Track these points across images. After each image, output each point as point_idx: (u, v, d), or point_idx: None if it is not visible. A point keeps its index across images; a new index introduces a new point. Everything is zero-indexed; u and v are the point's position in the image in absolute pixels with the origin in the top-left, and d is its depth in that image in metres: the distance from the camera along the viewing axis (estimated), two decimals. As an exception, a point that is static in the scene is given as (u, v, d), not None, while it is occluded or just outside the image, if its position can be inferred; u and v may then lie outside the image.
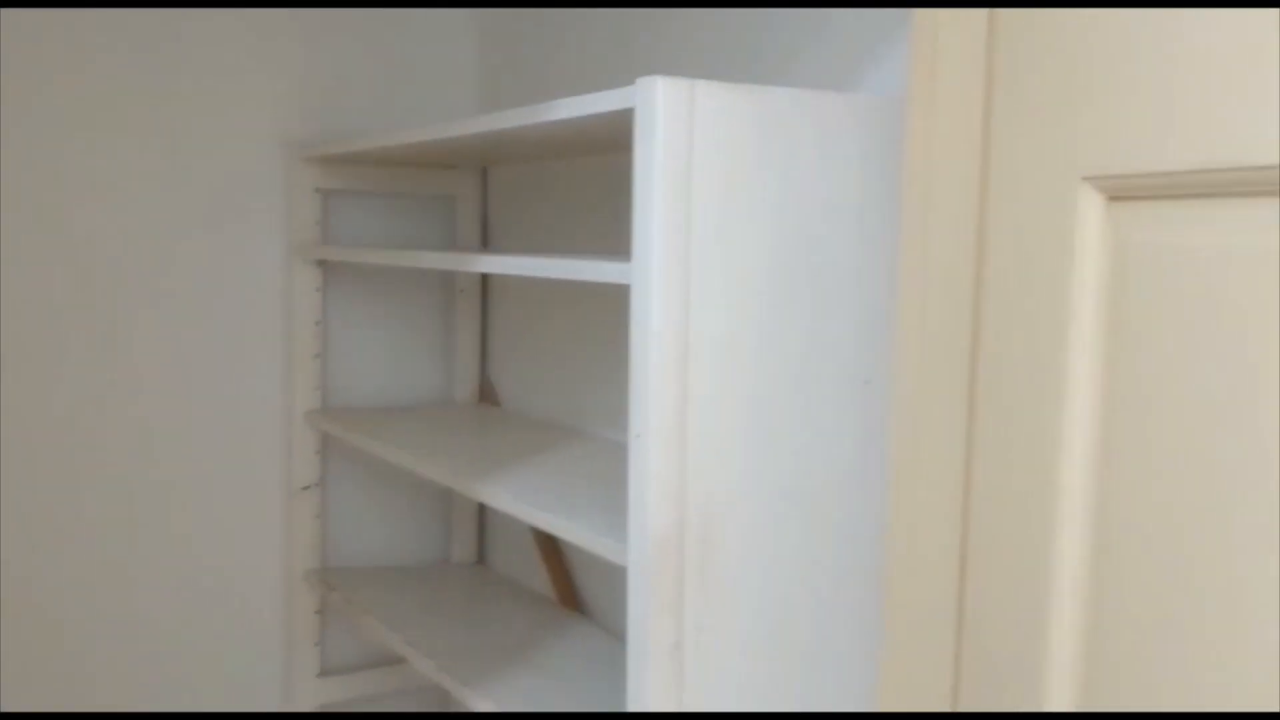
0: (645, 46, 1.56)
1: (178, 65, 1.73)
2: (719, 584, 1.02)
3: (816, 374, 1.06)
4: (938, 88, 0.93)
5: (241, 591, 1.84)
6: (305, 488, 1.84)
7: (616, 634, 1.62)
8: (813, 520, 1.07)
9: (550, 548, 1.80)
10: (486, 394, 1.97)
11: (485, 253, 1.57)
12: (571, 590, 1.76)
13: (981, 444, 0.98)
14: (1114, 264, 0.86)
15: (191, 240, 1.76)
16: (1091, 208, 0.88)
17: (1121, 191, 0.86)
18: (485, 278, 1.97)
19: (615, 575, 1.66)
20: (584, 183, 1.70)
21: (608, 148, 1.50)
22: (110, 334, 1.72)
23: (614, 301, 1.64)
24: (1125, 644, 0.85)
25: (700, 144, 0.98)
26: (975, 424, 0.98)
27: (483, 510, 2.02)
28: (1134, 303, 0.84)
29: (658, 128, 0.96)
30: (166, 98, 1.73)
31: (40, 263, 1.67)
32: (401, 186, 1.87)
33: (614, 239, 1.65)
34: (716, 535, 1.02)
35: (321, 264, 1.83)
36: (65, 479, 1.71)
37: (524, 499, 1.24)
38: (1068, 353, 0.89)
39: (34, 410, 1.68)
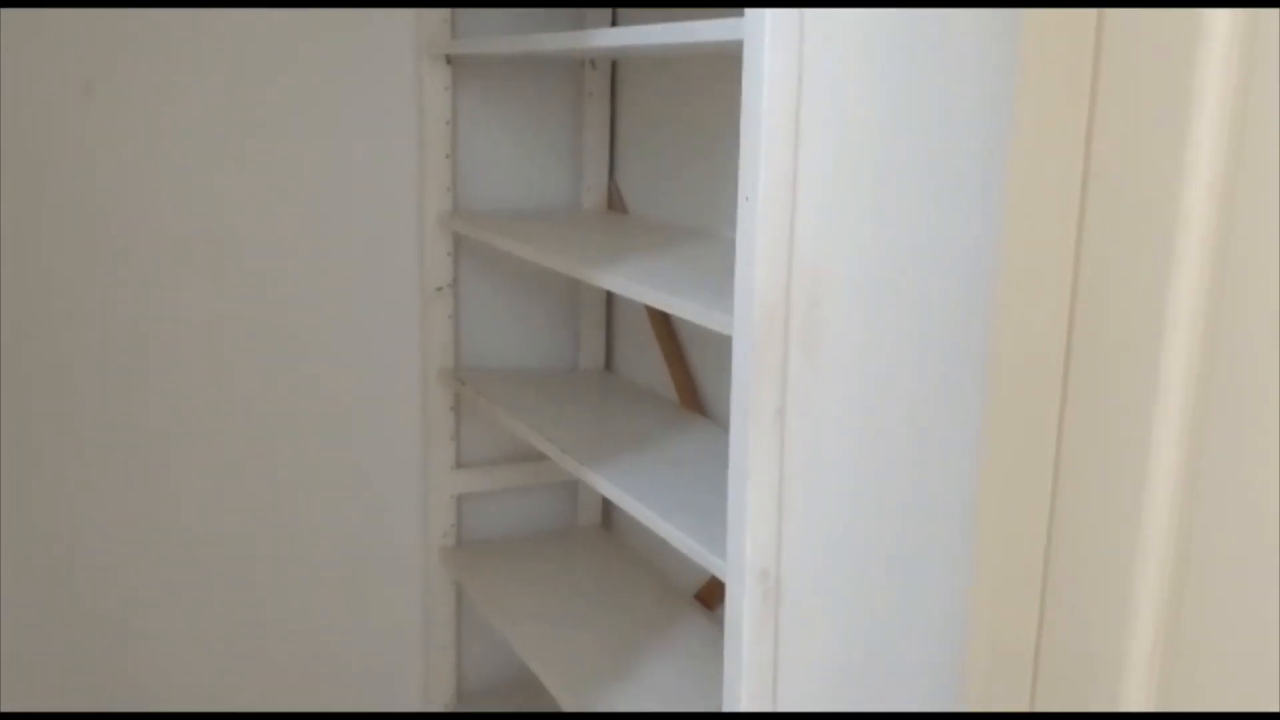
0: None
1: None
2: (823, 353, 1.02)
3: (936, 151, 1.02)
4: None
5: (381, 390, 1.93)
6: (439, 289, 1.90)
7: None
8: (921, 299, 1.04)
9: (674, 351, 1.82)
10: (614, 201, 1.98)
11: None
12: (694, 392, 1.78)
13: (1094, 225, 0.93)
14: None
15: (320, 42, 1.79)
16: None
17: None
18: (614, 80, 1.95)
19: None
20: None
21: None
22: (244, 142, 1.78)
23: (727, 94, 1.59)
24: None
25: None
26: (1088, 203, 0.93)
27: (610, 317, 2.04)
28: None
29: None
30: (298, -106, 1.73)
31: (167, 64, 1.73)
32: (530, -13, 1.84)
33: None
34: (824, 305, 1.01)
35: (451, 62, 1.83)
36: (203, 286, 1.80)
37: (639, 281, 1.25)
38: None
39: (164, 212, 1.77)
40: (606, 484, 1.37)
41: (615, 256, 1.44)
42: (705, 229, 1.71)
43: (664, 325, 1.85)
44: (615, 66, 1.94)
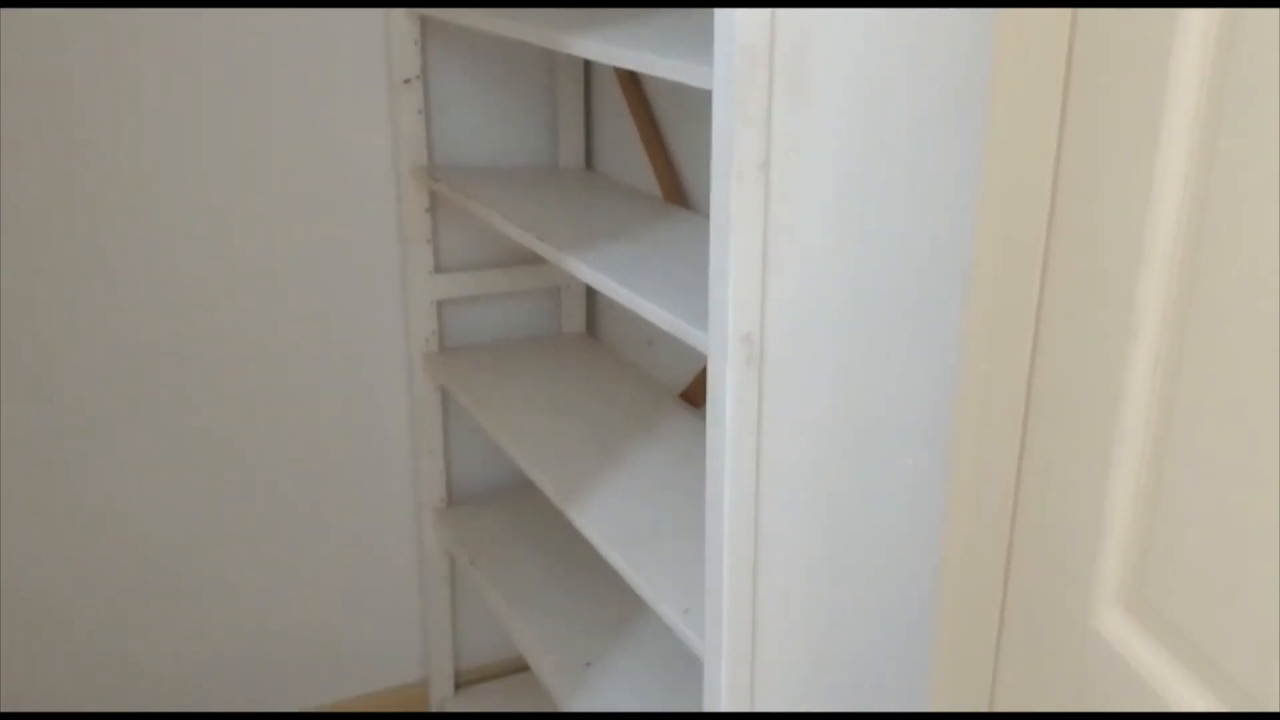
0: None
1: None
2: (809, 101, 0.95)
3: None
4: None
5: (352, 187, 1.86)
6: (407, 80, 1.80)
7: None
8: (917, 34, 0.97)
9: (655, 143, 1.75)
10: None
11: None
12: (677, 184, 1.72)
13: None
14: None
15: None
16: None
17: None
18: None
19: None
20: None
21: None
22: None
23: None
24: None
25: None
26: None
27: (589, 116, 1.96)
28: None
29: None
30: None
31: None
32: None
33: None
34: (810, 48, 0.94)
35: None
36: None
37: (613, 44, 1.17)
38: None
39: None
40: (586, 269, 1.32)
41: (588, 25, 1.35)
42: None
43: (645, 116, 1.77)
44: None
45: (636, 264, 1.34)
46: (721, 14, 0.92)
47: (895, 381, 1.07)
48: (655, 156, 1.75)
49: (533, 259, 1.99)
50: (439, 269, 1.93)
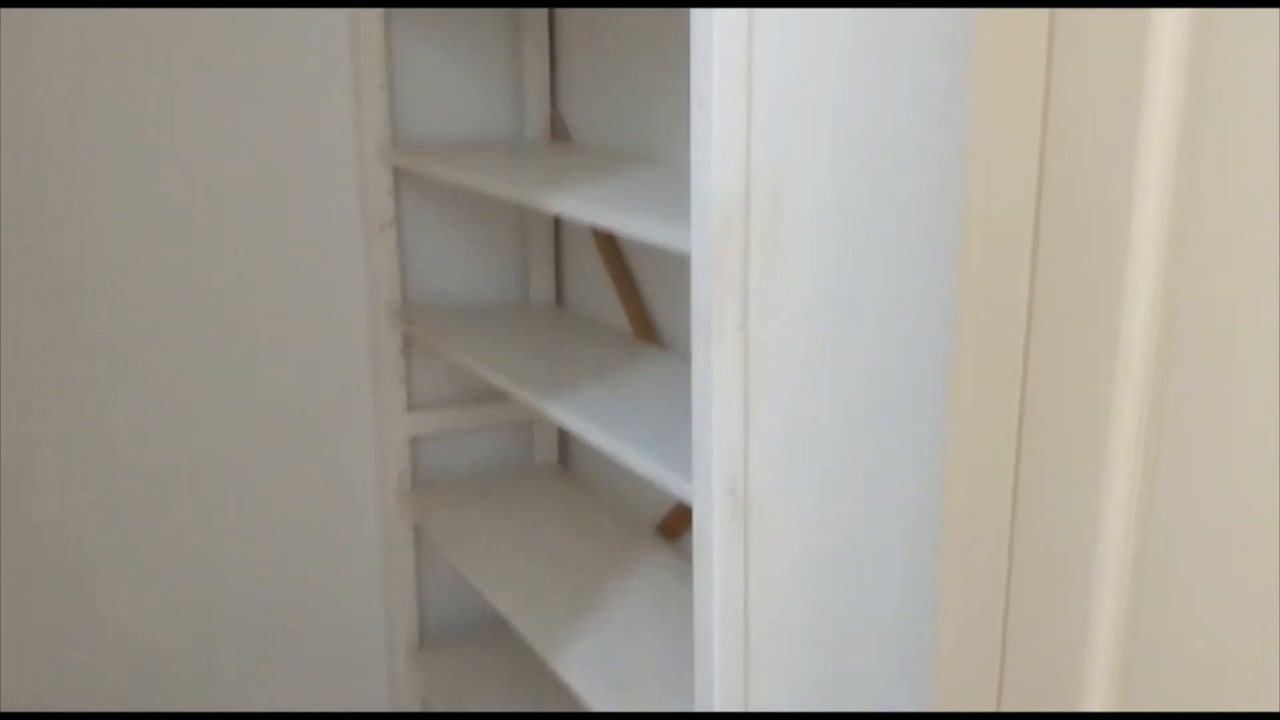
0: None
1: None
2: (785, 260, 0.99)
3: (888, 41, 0.99)
4: None
5: (327, 329, 1.88)
6: (382, 226, 1.84)
7: (689, 359, 1.62)
8: (881, 194, 1.02)
9: (626, 283, 1.79)
10: (557, 130, 1.93)
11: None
12: (648, 322, 1.76)
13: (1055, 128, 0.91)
14: None
15: (249, -30, 1.71)
16: None
17: None
18: (552, 9, 1.89)
19: (688, 305, 1.64)
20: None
21: None
22: (170, 82, 1.70)
23: (687, 20, 1.55)
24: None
25: None
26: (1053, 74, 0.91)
27: (559, 252, 2.00)
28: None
29: None
30: None
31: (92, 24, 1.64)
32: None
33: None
34: (783, 209, 0.98)
35: (383, -7, 1.77)
36: (136, 234, 1.73)
37: (588, 203, 1.21)
38: None
39: (98, 156, 1.69)
40: (566, 415, 1.34)
41: (561, 181, 1.40)
42: (652, 153, 1.67)
43: (614, 255, 1.81)
44: (553, -10, 1.88)
45: (615, 407, 1.36)
46: (698, 178, 0.96)
47: (879, 517, 1.09)
48: (625, 294, 1.79)
49: (503, 394, 2.01)
50: (412, 407, 1.94)
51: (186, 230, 1.76)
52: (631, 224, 1.11)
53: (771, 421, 1.01)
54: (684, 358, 1.63)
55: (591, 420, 1.31)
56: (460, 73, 1.87)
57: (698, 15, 0.93)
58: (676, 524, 1.75)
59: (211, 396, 1.82)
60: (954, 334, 1.07)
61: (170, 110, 1.71)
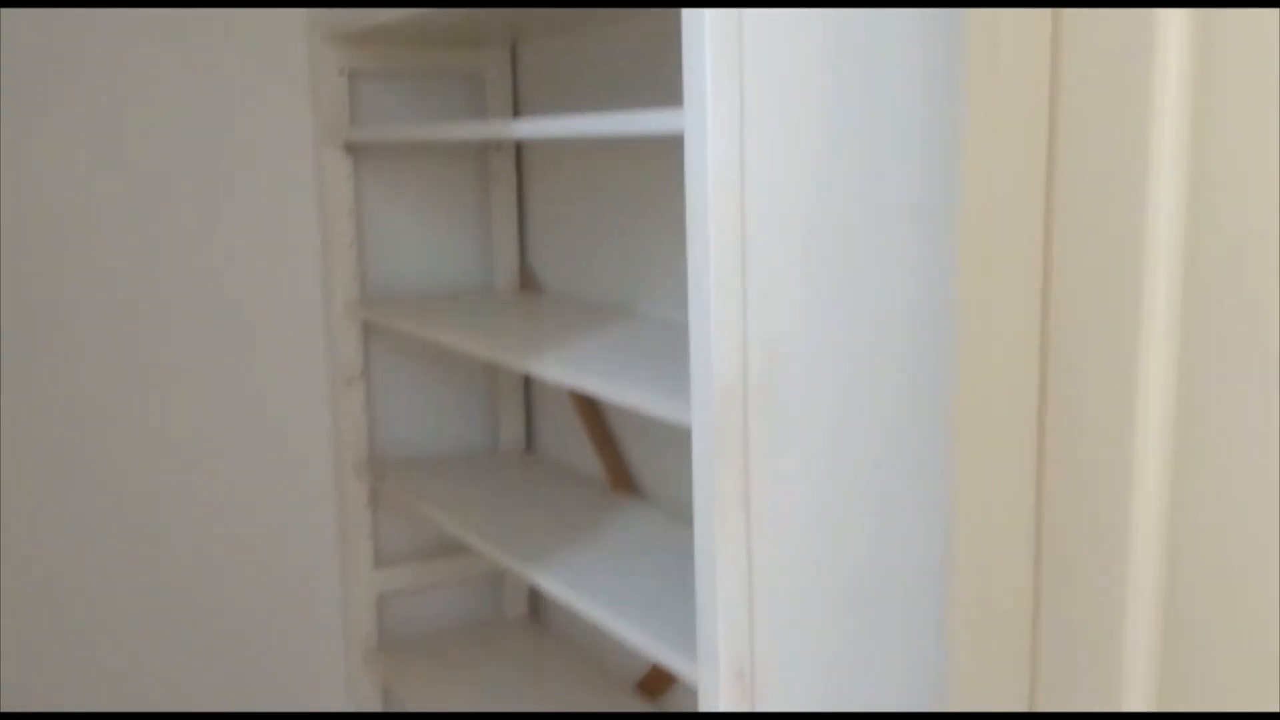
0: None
1: (192, -54, 1.67)
2: (783, 434, 0.98)
3: (874, 213, 1.01)
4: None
5: (293, 485, 1.83)
6: (349, 380, 1.82)
7: (669, 512, 1.60)
8: (872, 362, 1.02)
9: (600, 430, 1.78)
10: (526, 280, 1.93)
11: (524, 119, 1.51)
12: (624, 472, 1.74)
13: (1060, 262, 0.92)
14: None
15: (217, 128, 1.71)
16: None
17: None
18: (520, 159, 1.91)
19: (665, 454, 1.63)
20: (615, 56, 1.63)
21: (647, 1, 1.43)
22: (139, 225, 1.69)
23: (656, 171, 1.58)
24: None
25: (753, -30, 0.91)
26: (1052, 240, 0.93)
27: (529, 397, 1.99)
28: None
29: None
30: (183, -19, 1.67)
31: (56, 155, 1.63)
32: (428, 66, 1.80)
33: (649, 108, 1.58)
34: (780, 383, 0.98)
35: (351, 150, 1.78)
36: (106, 373, 1.69)
37: (577, 368, 1.21)
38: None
39: (71, 309, 1.66)
40: (554, 582, 1.31)
41: (540, 340, 1.39)
42: (624, 305, 1.68)
43: (589, 405, 1.80)
44: (520, 143, 1.91)
45: (601, 573, 1.33)
46: (697, 357, 0.96)
47: (881, 686, 1.06)
48: (600, 443, 1.77)
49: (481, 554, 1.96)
50: (379, 563, 1.89)
51: (155, 389, 1.72)
52: (627, 394, 1.10)
53: (778, 596, 0.99)
54: (665, 510, 1.61)
55: (577, 587, 1.28)
56: (428, 222, 1.88)
57: (693, 208, 0.94)
58: (658, 683, 1.71)
59: (177, 567, 1.76)
60: (950, 502, 1.07)
61: (140, 272, 1.69)
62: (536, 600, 2.04)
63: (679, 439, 1.59)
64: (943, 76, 1.01)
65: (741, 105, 0.93)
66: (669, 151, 1.55)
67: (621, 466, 1.74)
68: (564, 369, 1.22)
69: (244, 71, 1.72)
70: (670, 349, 1.32)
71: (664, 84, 1.54)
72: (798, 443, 0.99)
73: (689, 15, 0.91)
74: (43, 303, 1.64)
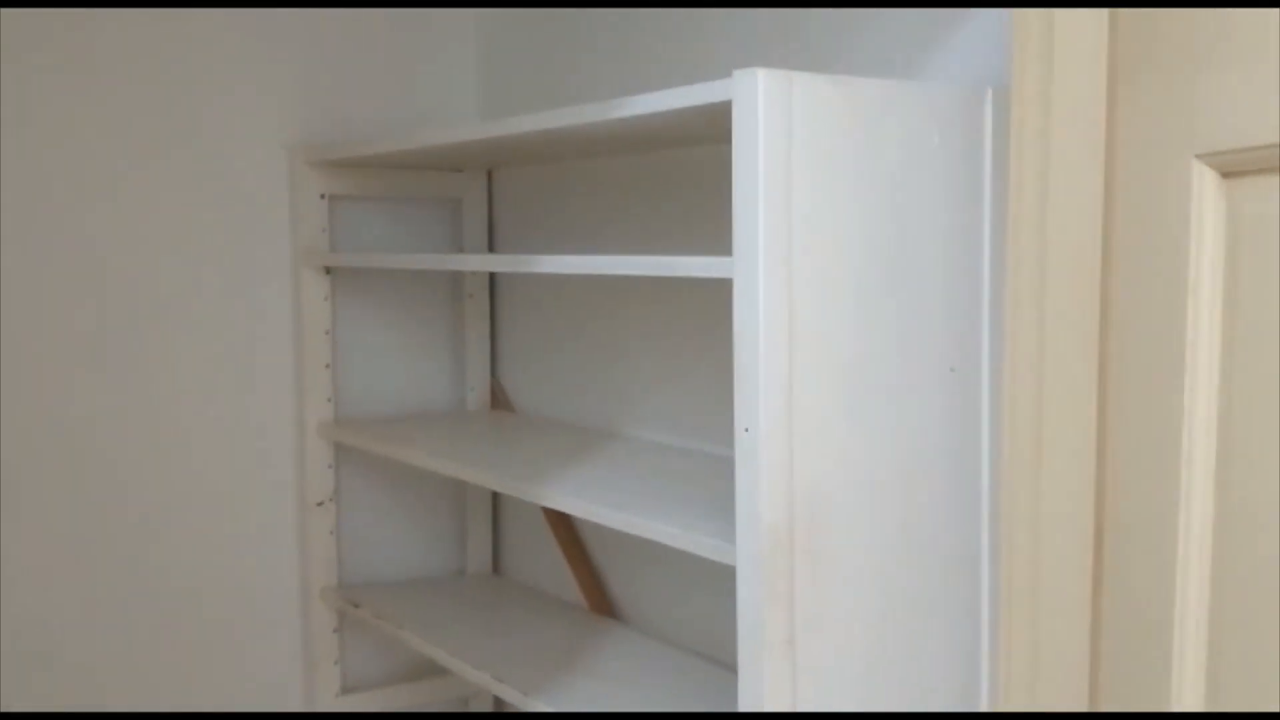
0: (650, 47, 1.55)
1: (180, 68, 1.67)
2: (827, 575, 1.02)
3: (908, 361, 1.06)
4: (1054, 81, 0.94)
5: (258, 610, 1.78)
6: (320, 503, 1.79)
7: (654, 636, 1.61)
8: (912, 503, 1.07)
9: (577, 552, 1.78)
10: (499, 400, 1.94)
11: (504, 254, 1.55)
12: (603, 595, 1.74)
13: (1113, 409, 0.97)
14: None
15: (198, 249, 1.70)
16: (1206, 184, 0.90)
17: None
18: (493, 283, 1.93)
19: (647, 577, 1.64)
20: (590, 185, 1.68)
21: (637, 147, 1.49)
22: (117, 346, 1.65)
23: (635, 298, 1.62)
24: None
25: (799, 135, 0.97)
26: (1105, 391, 0.98)
27: (497, 520, 1.98)
28: (1250, 271, 0.86)
29: (759, 118, 0.95)
30: (169, 101, 1.67)
31: (44, 273, 1.60)
32: (407, 191, 1.83)
33: (624, 239, 1.63)
34: (823, 525, 1.01)
35: (329, 272, 1.78)
36: (74, 494, 1.64)
37: (606, 505, 1.21)
38: (1188, 321, 0.91)
39: (41, 422, 1.61)
40: (549, 708, 1.30)
41: (542, 468, 1.40)
42: (601, 426, 1.70)
43: (564, 526, 1.80)
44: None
45: (605, 702, 1.33)
46: (744, 499, 0.99)
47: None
48: (577, 565, 1.77)
49: (441, 670, 1.92)
50: (345, 689, 1.84)
51: (124, 510, 1.66)
52: (677, 535, 1.10)
53: (818, 734, 1.01)
54: (645, 632, 1.62)
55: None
56: (402, 344, 1.88)
57: (743, 348, 0.98)
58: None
59: (143, 697, 1.68)
60: (990, 643, 1.11)
61: (115, 394, 1.65)
62: (501, 724, 2.01)
63: (661, 559, 1.61)
64: (975, 225, 1.08)
65: (790, 253, 0.98)
66: (650, 282, 1.59)
67: (600, 589, 1.75)
68: (597, 507, 1.21)
69: (226, 193, 1.71)
70: (676, 477, 1.34)
71: (635, 218, 1.59)
72: (842, 588, 1.03)
73: (741, 151, 0.96)
74: (36, 449, 1.59)
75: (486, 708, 1.98)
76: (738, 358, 0.99)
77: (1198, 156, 0.89)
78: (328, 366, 1.78)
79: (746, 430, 0.99)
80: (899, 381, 1.06)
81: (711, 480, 1.32)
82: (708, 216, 1.49)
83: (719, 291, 1.47)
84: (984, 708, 1.12)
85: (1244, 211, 0.87)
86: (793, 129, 0.97)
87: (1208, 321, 0.90)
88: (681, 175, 1.53)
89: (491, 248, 1.93)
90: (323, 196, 1.76)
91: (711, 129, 1.23)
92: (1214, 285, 0.89)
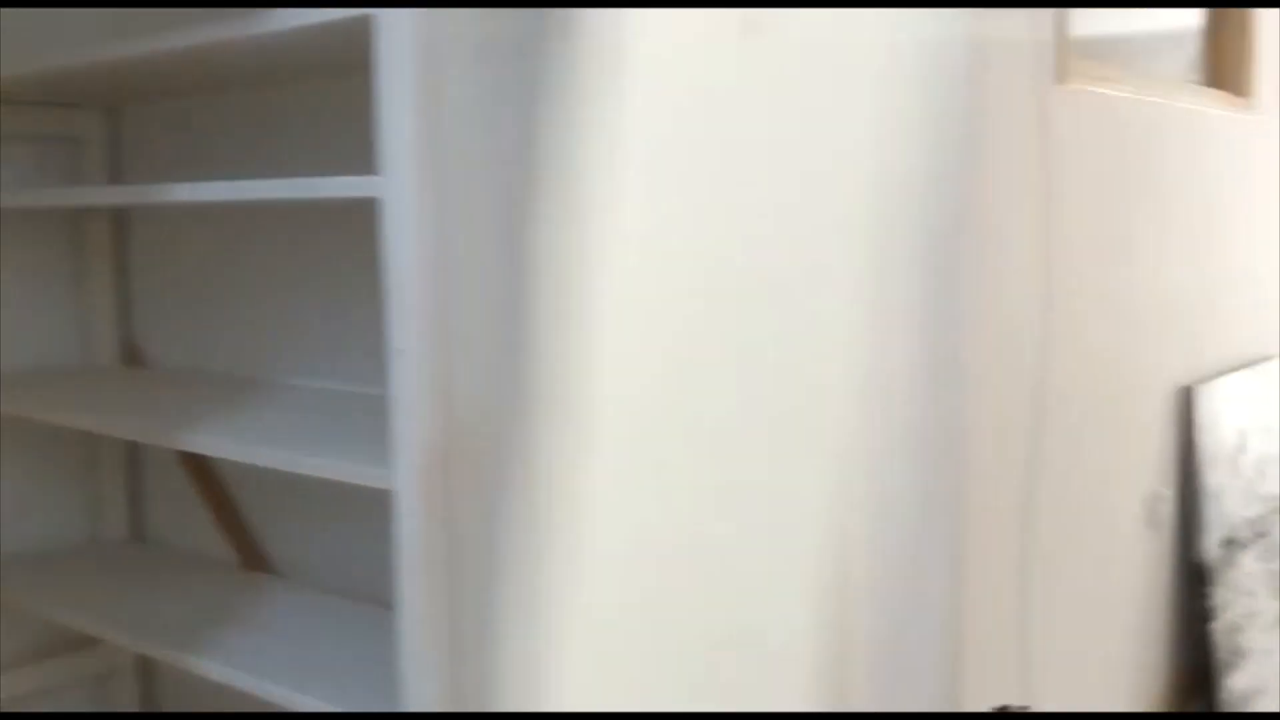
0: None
1: None
2: (487, 495, 1.04)
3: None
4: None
5: None
6: (-79, 475, 1.59)
7: (315, 587, 1.57)
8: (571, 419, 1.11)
9: (226, 511, 1.70)
10: (134, 355, 1.80)
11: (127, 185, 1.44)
12: (256, 551, 1.67)
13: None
14: None
15: None
16: None
17: None
18: (123, 229, 1.78)
19: (303, 528, 1.59)
20: (222, 121, 1.60)
21: (277, 78, 1.43)
22: None
23: (278, 241, 1.56)
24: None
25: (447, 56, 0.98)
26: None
27: (135, 482, 1.84)
28: None
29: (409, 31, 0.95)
30: None
31: None
32: (10, 128, 1.64)
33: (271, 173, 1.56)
34: (483, 444, 1.04)
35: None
36: None
37: (257, 444, 1.16)
38: None
39: None
40: (220, 667, 1.24)
41: (187, 416, 1.33)
42: (251, 375, 1.63)
43: (210, 482, 1.71)
44: (123, 212, 1.78)
45: (267, 652, 1.29)
46: (399, 417, 0.99)
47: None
48: (226, 522, 1.69)
49: (87, 642, 1.76)
50: (-36, 679, 1.65)
51: None
52: (329, 467, 1.08)
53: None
54: (306, 584, 1.58)
55: (247, 668, 1.23)
56: (9, 295, 1.70)
57: (394, 271, 0.98)
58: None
59: None
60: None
61: None
62: (153, 694, 1.88)
63: (317, 507, 1.56)
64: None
65: (439, 167, 0.99)
66: (294, 220, 1.54)
67: (253, 545, 1.68)
68: (244, 446, 1.17)
69: None
70: (328, 416, 1.32)
71: (280, 161, 1.53)
72: (505, 504, 1.06)
73: (388, 76, 0.95)
74: None
75: (130, 680, 1.86)
76: (388, 279, 0.99)
77: None
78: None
79: (401, 352, 0.99)
80: (552, 303, 1.10)
81: (370, 420, 1.31)
82: (359, 155, 1.46)
83: (371, 224, 1.45)
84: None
85: None
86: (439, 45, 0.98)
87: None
88: (330, 112, 1.49)
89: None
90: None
91: (359, 54, 1.21)
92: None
